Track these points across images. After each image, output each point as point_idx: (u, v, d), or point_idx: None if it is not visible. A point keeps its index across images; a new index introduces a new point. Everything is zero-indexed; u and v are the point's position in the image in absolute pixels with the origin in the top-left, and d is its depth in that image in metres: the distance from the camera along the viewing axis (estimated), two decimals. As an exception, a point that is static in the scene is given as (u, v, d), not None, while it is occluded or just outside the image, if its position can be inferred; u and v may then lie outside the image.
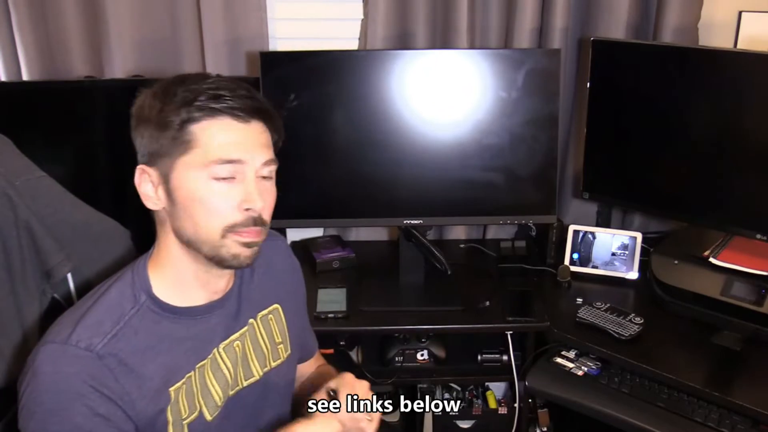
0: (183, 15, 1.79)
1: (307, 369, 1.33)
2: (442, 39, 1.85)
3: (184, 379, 1.00)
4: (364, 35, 1.85)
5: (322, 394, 1.09)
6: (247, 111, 0.95)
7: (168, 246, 1.00)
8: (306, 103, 1.62)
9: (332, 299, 1.68)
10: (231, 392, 1.07)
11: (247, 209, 0.96)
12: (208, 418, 1.04)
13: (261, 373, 1.12)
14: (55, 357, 0.91)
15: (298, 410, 1.26)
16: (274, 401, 1.16)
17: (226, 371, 1.06)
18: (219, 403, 1.05)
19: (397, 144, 1.63)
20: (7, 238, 1.19)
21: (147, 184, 0.97)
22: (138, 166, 0.98)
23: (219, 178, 0.94)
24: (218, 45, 1.78)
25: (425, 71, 1.61)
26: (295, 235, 2.03)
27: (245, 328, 1.10)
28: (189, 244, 0.97)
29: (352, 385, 1.10)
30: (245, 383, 1.10)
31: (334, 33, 1.89)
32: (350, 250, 1.89)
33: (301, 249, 1.97)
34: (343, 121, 1.64)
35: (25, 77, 1.80)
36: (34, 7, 1.76)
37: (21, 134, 1.67)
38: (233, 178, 0.95)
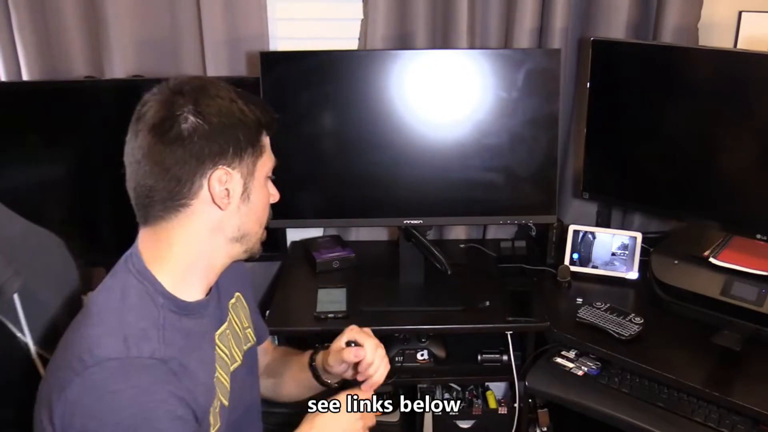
0: (183, 15, 1.79)
1: (262, 354, 1.35)
2: (442, 39, 1.85)
3: (217, 370, 1.06)
4: (364, 35, 1.85)
5: (342, 346, 1.18)
6: None
7: (195, 243, 1.00)
8: (306, 103, 1.63)
9: (332, 299, 1.68)
10: (230, 377, 1.12)
11: (271, 202, 1.11)
12: (225, 403, 1.08)
13: (242, 358, 1.17)
14: (122, 373, 0.90)
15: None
16: (253, 383, 1.24)
17: (225, 358, 1.11)
18: (228, 388, 1.10)
19: (397, 144, 1.63)
20: None
21: (221, 185, 0.98)
22: (220, 168, 0.97)
23: (269, 177, 1.08)
24: (218, 45, 1.78)
25: (425, 71, 1.61)
26: (295, 235, 2.03)
27: (228, 316, 1.15)
28: (239, 240, 1.04)
29: (360, 331, 1.19)
30: (232, 368, 1.14)
31: (334, 33, 1.89)
32: (350, 250, 1.89)
33: (301, 249, 1.97)
34: (344, 121, 1.64)
35: (25, 77, 1.80)
36: (34, 7, 1.76)
37: (21, 134, 1.69)
38: None
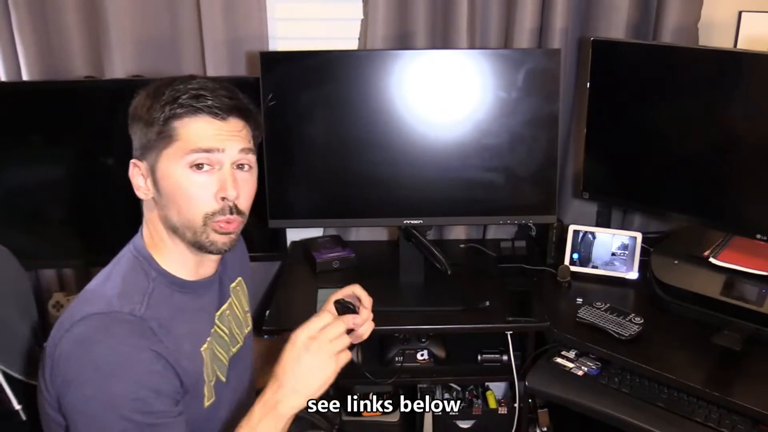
0: (183, 15, 1.79)
1: None
2: (442, 39, 1.85)
3: (207, 343, 1.09)
4: (364, 35, 1.85)
5: (334, 312, 1.11)
6: (225, 109, 1.03)
7: (158, 232, 1.07)
8: (306, 103, 1.62)
9: (332, 299, 1.68)
10: (230, 356, 1.17)
11: (223, 198, 1.03)
12: (223, 380, 1.14)
13: (242, 339, 1.22)
14: (104, 325, 0.96)
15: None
16: (251, 362, 1.27)
17: (225, 337, 1.16)
18: (226, 364, 1.15)
19: (397, 144, 1.63)
20: None
21: (138, 177, 1.06)
22: (131, 160, 1.06)
23: (194, 167, 1.01)
24: (218, 45, 1.78)
25: (425, 71, 1.61)
26: (295, 235, 2.03)
27: (229, 300, 1.20)
28: (175, 231, 1.05)
29: (348, 290, 1.16)
30: (234, 350, 1.19)
31: (334, 33, 1.89)
32: (350, 250, 1.89)
33: (301, 249, 1.97)
34: (343, 121, 1.64)
35: (25, 77, 1.80)
36: (34, 8, 1.76)
37: (21, 134, 1.69)
38: (211, 167, 1.02)
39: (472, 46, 1.82)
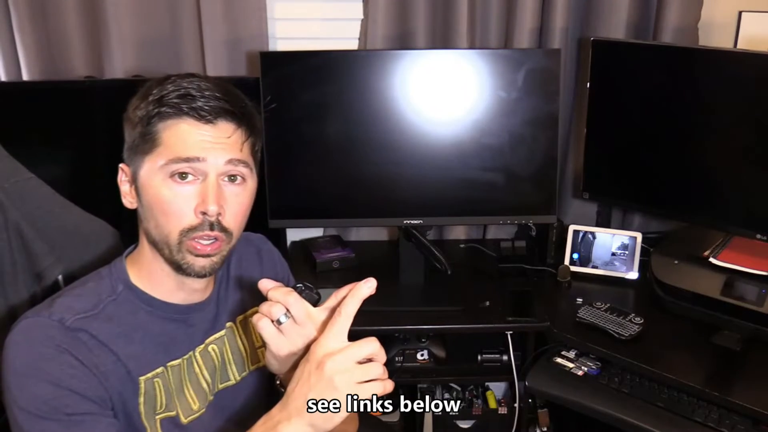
0: (183, 15, 1.79)
1: None
2: (442, 39, 1.85)
3: (153, 373, 0.99)
4: (364, 35, 1.85)
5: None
6: (212, 111, 0.93)
7: (143, 245, 1.00)
8: (306, 103, 1.62)
9: (332, 299, 1.68)
10: (210, 398, 1.06)
11: (202, 213, 0.93)
12: (183, 421, 1.02)
13: (238, 378, 1.10)
14: (27, 328, 0.92)
15: None
16: (253, 405, 1.12)
17: (201, 377, 1.05)
18: (194, 408, 1.03)
19: (397, 144, 1.63)
20: None
21: (125, 183, 0.99)
22: (121, 164, 0.99)
23: (175, 176, 0.92)
24: (218, 45, 1.78)
25: (425, 71, 1.61)
26: (295, 235, 2.03)
27: (223, 331, 1.08)
28: (155, 245, 0.97)
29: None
30: (220, 386, 1.08)
31: (334, 33, 1.89)
32: (350, 250, 1.89)
33: (301, 249, 1.97)
34: (343, 121, 1.64)
35: (25, 77, 1.80)
36: (34, 7, 1.76)
37: (21, 134, 1.68)
38: (195, 177, 0.93)
39: (472, 46, 1.82)
